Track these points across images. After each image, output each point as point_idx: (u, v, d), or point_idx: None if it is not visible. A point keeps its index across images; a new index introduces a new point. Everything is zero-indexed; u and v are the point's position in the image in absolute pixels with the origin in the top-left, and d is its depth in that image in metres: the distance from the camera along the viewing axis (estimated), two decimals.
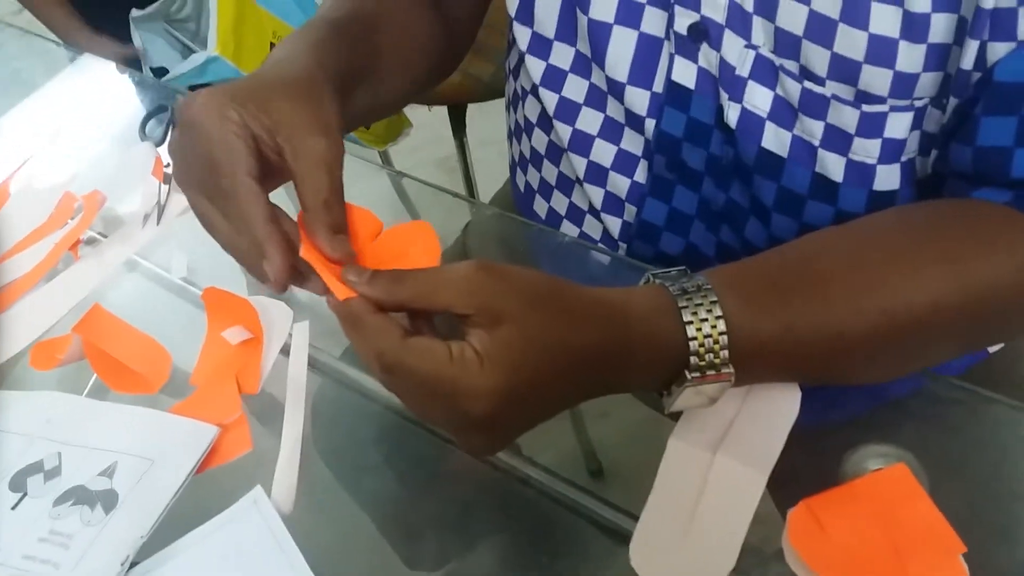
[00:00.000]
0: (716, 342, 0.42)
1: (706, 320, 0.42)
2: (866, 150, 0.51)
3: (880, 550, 0.41)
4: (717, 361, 0.43)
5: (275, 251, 0.43)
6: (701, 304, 0.43)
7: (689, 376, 0.43)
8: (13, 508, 0.49)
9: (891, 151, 0.51)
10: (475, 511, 0.56)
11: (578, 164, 0.64)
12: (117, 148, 0.80)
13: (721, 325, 0.42)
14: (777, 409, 0.47)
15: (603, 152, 0.62)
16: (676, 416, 0.49)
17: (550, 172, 0.68)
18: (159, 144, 0.74)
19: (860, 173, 0.52)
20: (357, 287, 0.42)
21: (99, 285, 0.66)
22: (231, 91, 0.46)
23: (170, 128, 0.76)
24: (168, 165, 0.72)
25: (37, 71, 0.91)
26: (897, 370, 0.50)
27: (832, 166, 0.53)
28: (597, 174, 0.63)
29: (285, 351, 0.59)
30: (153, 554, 0.47)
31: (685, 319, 0.42)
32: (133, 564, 0.46)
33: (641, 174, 0.62)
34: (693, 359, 0.42)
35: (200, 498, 0.50)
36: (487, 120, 1.20)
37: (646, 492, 0.47)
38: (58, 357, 0.58)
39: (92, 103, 0.87)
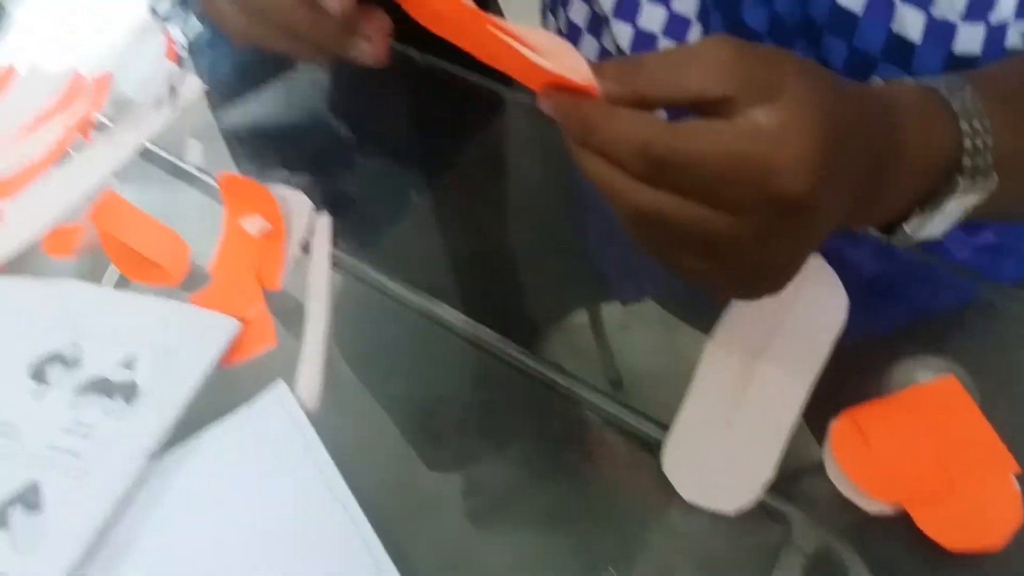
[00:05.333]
0: (985, 147, 0.38)
1: (977, 124, 0.38)
2: (950, 4, 0.47)
3: (927, 465, 0.40)
4: (984, 165, 0.38)
5: None
6: (972, 107, 0.38)
7: (959, 181, 0.38)
8: (34, 397, 0.48)
9: (977, 8, 0.47)
10: (499, 415, 0.55)
11: (622, 34, 0.59)
12: (123, 24, 0.76)
13: (988, 124, 0.38)
14: (823, 316, 0.46)
15: (652, 16, 0.57)
16: (706, 328, 0.47)
17: (591, 47, 0.64)
18: (169, 22, 0.71)
19: (940, 32, 0.48)
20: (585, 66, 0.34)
21: (112, 171, 0.63)
22: None
23: (181, 4, 0.72)
24: (180, 45, 0.69)
25: None
26: None
27: (911, 23, 0.48)
28: (644, 43, 0.59)
29: (305, 249, 0.57)
30: (175, 446, 0.46)
31: (960, 123, 0.38)
32: (155, 456, 0.46)
33: (694, 39, 0.57)
34: (966, 159, 0.38)
35: (223, 393, 0.49)
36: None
37: (668, 404, 0.46)
38: (73, 244, 0.57)
39: None
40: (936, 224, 0.40)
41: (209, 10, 0.45)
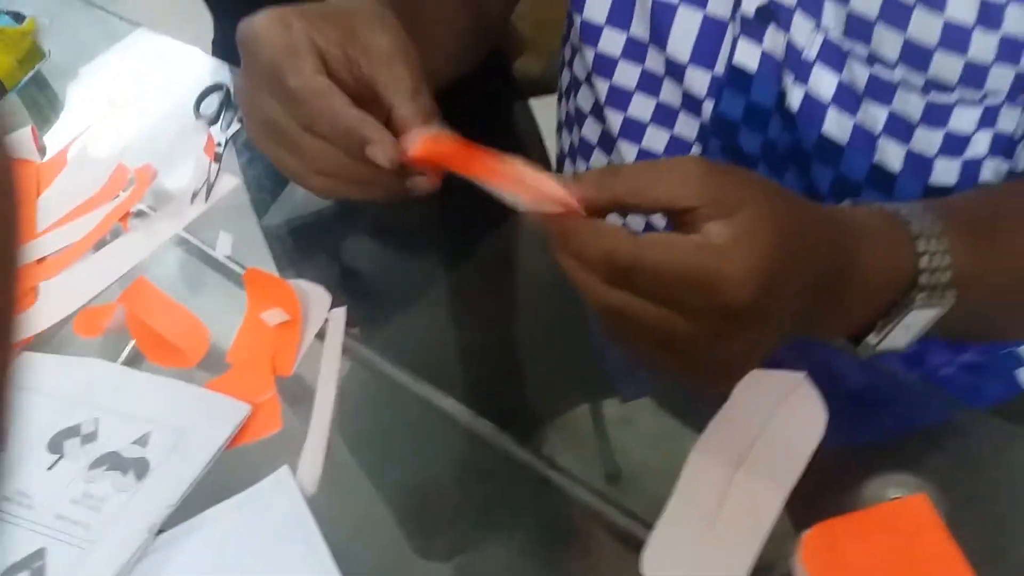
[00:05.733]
0: (941, 265, 0.41)
1: (934, 246, 0.41)
2: (928, 140, 0.51)
3: None
4: (942, 282, 0.41)
5: (375, 130, 0.41)
6: (930, 230, 0.42)
7: (916, 297, 0.41)
8: (49, 468, 0.51)
9: (953, 145, 0.51)
10: (493, 507, 0.57)
11: (628, 152, 0.64)
12: (170, 123, 0.81)
13: (944, 245, 0.41)
14: (802, 429, 0.48)
15: (656, 139, 0.62)
16: (700, 428, 0.49)
17: (600, 162, 0.68)
18: (212, 123, 0.76)
19: (917, 164, 0.52)
20: (561, 185, 0.38)
21: (145, 258, 0.67)
22: (293, 8, 0.45)
23: (224, 107, 0.77)
24: (219, 144, 0.74)
25: (99, 43, 0.93)
26: None
27: (891, 155, 0.52)
28: None
29: (320, 335, 0.60)
30: (180, 523, 0.49)
31: (917, 244, 0.41)
32: (160, 531, 0.48)
33: None
34: (923, 277, 0.41)
35: (228, 473, 0.52)
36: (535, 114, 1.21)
37: (662, 501, 0.48)
38: (102, 325, 0.60)
39: (149, 76, 0.89)
40: (898, 336, 0.43)
41: (267, 152, 0.47)
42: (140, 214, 0.72)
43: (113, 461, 0.51)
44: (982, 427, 0.51)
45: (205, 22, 1.05)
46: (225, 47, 0.99)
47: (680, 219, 0.36)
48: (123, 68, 0.91)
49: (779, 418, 0.48)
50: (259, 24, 0.45)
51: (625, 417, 0.81)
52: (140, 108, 0.84)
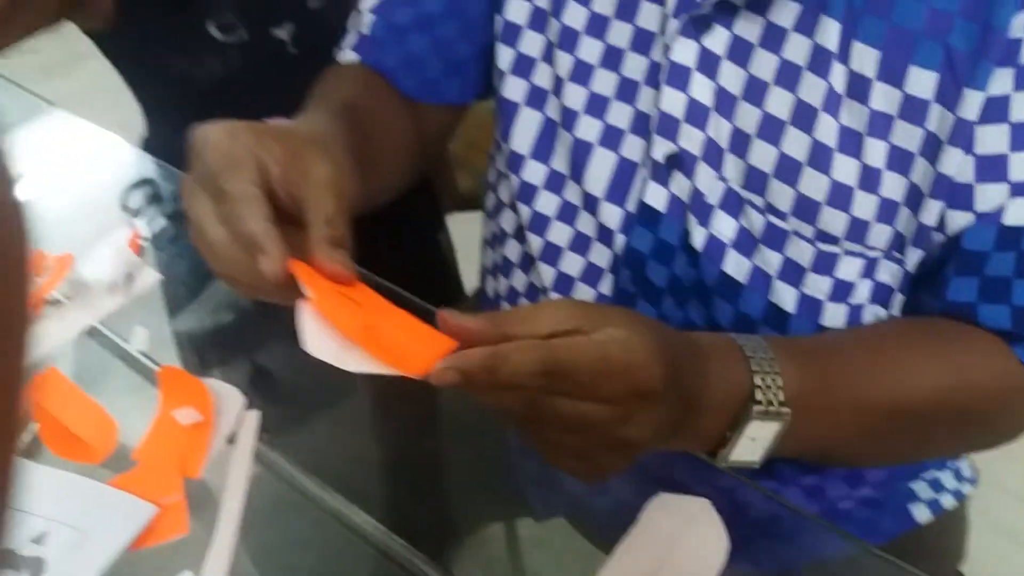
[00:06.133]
0: (774, 384, 0.48)
1: (766, 367, 0.48)
2: (817, 286, 0.56)
3: None
4: (775, 401, 0.48)
5: (273, 245, 0.43)
6: (762, 354, 0.49)
7: (753, 411, 0.47)
8: None
9: (840, 291, 0.56)
10: None
11: (547, 274, 0.67)
12: (92, 212, 0.81)
13: (776, 367, 0.48)
14: (706, 554, 0.49)
15: (572, 264, 0.66)
16: (610, 550, 0.51)
17: (520, 281, 0.71)
18: (137, 216, 0.76)
19: (810, 307, 0.57)
20: (451, 321, 0.42)
21: (58, 347, 0.66)
22: (246, 124, 0.48)
23: (151, 201, 0.78)
24: (144, 238, 0.74)
25: (15, 121, 0.93)
26: (903, 451, 0.59)
27: (785, 297, 0.57)
28: (565, 284, 0.67)
29: (230, 439, 0.60)
30: None
31: (751, 364, 0.48)
32: None
33: (606, 286, 0.65)
34: (758, 393, 0.48)
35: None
36: (460, 229, 1.24)
37: None
38: None
39: (69, 160, 0.89)
40: (747, 450, 0.49)
41: (196, 244, 0.48)
42: (55, 302, 0.71)
43: (6, 559, 0.49)
44: (875, 563, 0.54)
45: (131, 113, 1.06)
46: (156, 147, 0.99)
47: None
48: (42, 150, 0.91)
49: (683, 543, 0.50)
50: (211, 132, 0.47)
51: (538, 538, 0.82)
52: (60, 194, 0.84)
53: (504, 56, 0.66)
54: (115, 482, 0.55)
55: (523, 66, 0.65)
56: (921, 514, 0.68)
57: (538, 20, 0.64)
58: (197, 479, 0.57)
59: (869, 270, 0.56)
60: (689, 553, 0.50)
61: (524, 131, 0.65)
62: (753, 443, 0.49)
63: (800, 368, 0.49)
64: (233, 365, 0.72)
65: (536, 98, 0.65)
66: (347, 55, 0.71)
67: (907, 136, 0.51)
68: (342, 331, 0.43)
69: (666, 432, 0.45)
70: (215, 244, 0.46)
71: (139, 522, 0.52)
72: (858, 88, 0.52)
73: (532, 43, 0.65)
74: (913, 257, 0.55)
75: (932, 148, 0.51)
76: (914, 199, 0.53)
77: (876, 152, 0.52)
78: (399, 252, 1.02)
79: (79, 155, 0.90)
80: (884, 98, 0.51)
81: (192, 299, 0.75)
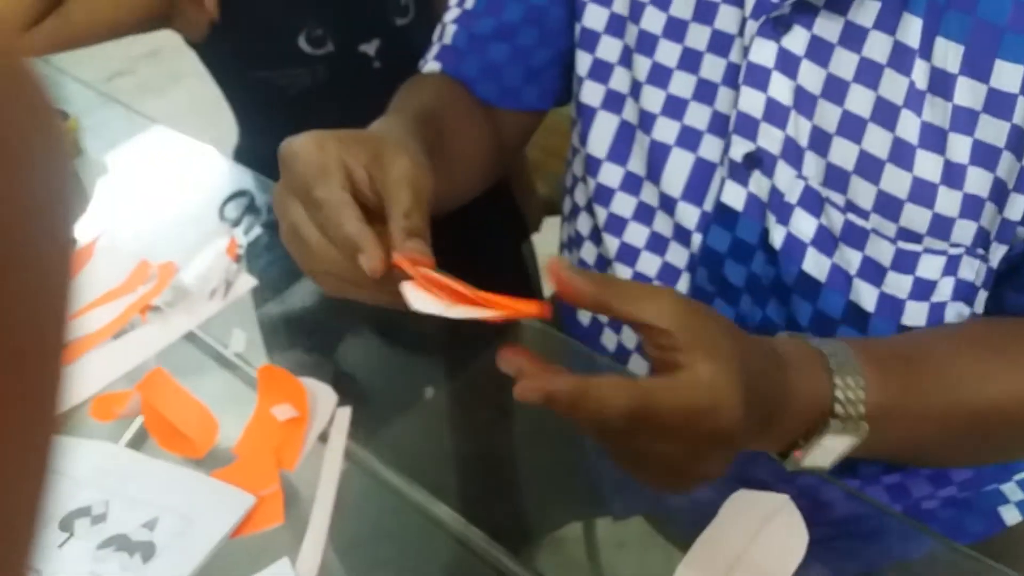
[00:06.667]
0: (856, 398, 0.47)
1: (850, 380, 0.48)
2: (898, 284, 0.56)
3: None
4: (854, 415, 0.47)
5: (370, 244, 0.46)
6: (847, 364, 0.48)
7: (831, 424, 0.47)
8: (59, 546, 0.52)
9: (921, 290, 0.56)
10: None
11: (623, 275, 0.68)
12: (193, 223, 0.86)
13: (860, 381, 0.48)
14: (784, 549, 0.50)
15: (648, 264, 0.67)
16: (686, 546, 0.51)
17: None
18: (235, 225, 0.80)
19: (890, 306, 0.56)
20: (562, 271, 0.43)
21: (161, 350, 0.70)
22: (331, 132, 0.51)
23: (247, 211, 0.82)
24: (241, 247, 0.78)
25: (123, 139, 0.99)
26: (986, 455, 0.59)
27: (865, 295, 0.57)
28: None
29: (322, 437, 0.63)
30: None
31: (834, 376, 0.47)
32: None
33: (683, 285, 0.66)
34: (838, 407, 0.47)
35: (230, 561, 0.53)
36: (539, 235, 1.27)
37: None
38: (117, 411, 0.63)
39: (171, 175, 0.94)
40: (819, 457, 0.49)
41: (290, 250, 0.52)
42: (158, 308, 0.75)
43: (121, 543, 0.52)
44: (962, 563, 0.53)
45: (224, 129, 1.11)
46: (247, 155, 1.05)
47: (654, 339, 0.43)
48: (146, 165, 0.96)
49: (762, 539, 0.50)
50: (298, 144, 0.50)
51: (618, 540, 0.83)
52: (163, 206, 0.89)
53: (582, 62, 0.67)
54: (217, 474, 0.59)
55: (600, 71, 0.67)
56: (1011, 515, 0.66)
57: (615, 25, 0.66)
58: (292, 472, 0.60)
59: (951, 267, 0.55)
60: (768, 548, 0.50)
61: (601, 135, 0.67)
62: (826, 452, 0.48)
63: (884, 376, 0.49)
64: (320, 366, 0.75)
65: (613, 102, 0.66)
66: (430, 65, 0.74)
67: (993, 130, 0.51)
68: (444, 295, 0.46)
69: (742, 448, 0.46)
70: (315, 249, 0.49)
71: (240, 511, 0.55)
72: (941, 84, 0.52)
73: (610, 48, 0.66)
74: (998, 253, 0.54)
75: (1019, 142, 0.50)
76: (999, 194, 0.52)
77: (960, 148, 0.52)
78: (480, 260, 1.06)
79: (179, 169, 0.95)
80: (968, 93, 0.51)
81: (285, 303, 0.79)
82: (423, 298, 0.46)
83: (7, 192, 0.16)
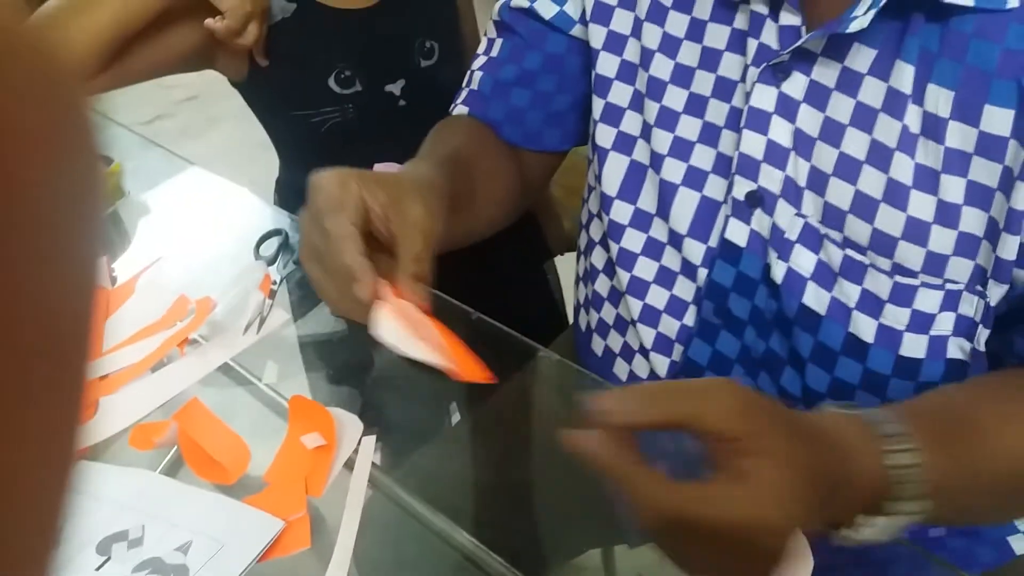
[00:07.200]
0: (910, 475, 0.46)
1: (903, 453, 0.46)
2: (896, 317, 0.57)
3: None
4: (917, 494, 0.46)
5: (365, 275, 0.52)
6: (903, 437, 0.46)
7: (889, 507, 0.46)
8: (97, 569, 0.55)
9: (920, 322, 0.57)
10: None
11: (634, 306, 0.71)
12: (230, 260, 0.90)
13: (915, 458, 0.46)
14: (791, 573, 0.51)
15: (657, 297, 0.70)
16: None
17: (609, 313, 0.76)
18: (270, 263, 0.84)
19: (889, 337, 0.58)
20: (606, 402, 0.43)
21: (197, 382, 0.74)
22: (355, 172, 0.56)
23: (281, 249, 0.86)
24: (275, 283, 0.82)
25: (162, 181, 1.04)
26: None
27: (864, 327, 0.58)
28: (651, 316, 0.70)
29: (348, 464, 0.65)
30: None
31: (888, 451, 0.46)
32: None
33: (690, 318, 0.68)
34: (896, 488, 0.46)
35: None
36: (559, 268, 1.30)
37: None
38: (154, 440, 0.66)
39: (208, 215, 0.99)
40: (872, 533, 0.47)
41: (306, 268, 0.57)
42: (195, 341, 0.79)
43: (156, 565, 0.55)
44: None
45: (259, 170, 1.16)
46: (288, 187, 1.11)
47: (716, 441, 0.42)
48: (185, 205, 1.01)
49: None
50: (324, 178, 0.56)
51: (636, 568, 0.84)
52: (201, 244, 0.93)
53: (596, 106, 0.71)
54: (248, 500, 0.62)
55: (612, 114, 0.70)
56: (1020, 545, 0.67)
57: (627, 72, 0.69)
58: (318, 499, 0.63)
59: (951, 303, 0.56)
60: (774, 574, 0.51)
61: (613, 174, 0.70)
62: (880, 530, 0.47)
63: (938, 452, 0.47)
64: (349, 396, 0.78)
65: (624, 143, 0.70)
66: (459, 108, 0.78)
67: (986, 172, 0.53)
68: (407, 326, 0.52)
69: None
70: (315, 274, 0.55)
71: (269, 536, 0.58)
72: (932, 128, 0.54)
73: (621, 94, 0.69)
74: (996, 292, 0.55)
75: (1008, 183, 0.52)
76: (992, 233, 0.54)
77: (954, 188, 0.54)
78: (508, 281, 1.10)
79: (216, 209, 0.99)
80: (959, 136, 0.53)
81: (316, 336, 0.82)
82: (389, 327, 0.52)
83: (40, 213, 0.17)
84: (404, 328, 0.52)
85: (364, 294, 0.52)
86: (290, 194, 1.10)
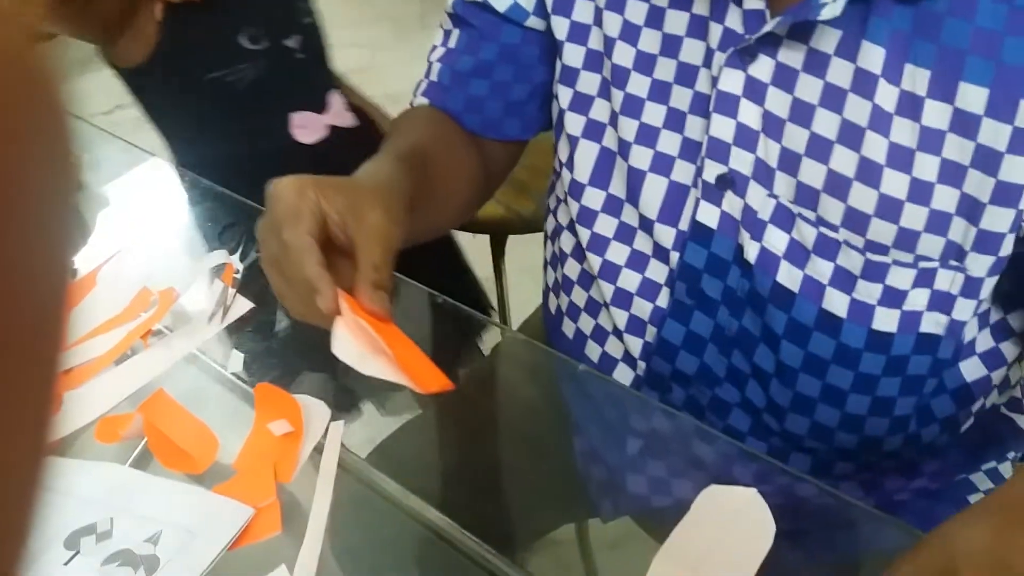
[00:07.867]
0: None
1: None
2: (868, 292, 0.59)
3: None
4: None
5: (325, 286, 0.52)
6: None
7: None
8: (65, 564, 0.55)
9: (891, 298, 0.59)
10: None
11: (606, 290, 0.71)
12: (191, 250, 0.89)
13: None
14: (753, 539, 0.52)
15: (629, 280, 0.70)
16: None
17: (580, 296, 0.76)
18: (232, 253, 0.83)
19: (861, 311, 0.59)
20: None
21: (162, 373, 0.73)
22: (312, 178, 0.56)
23: (243, 239, 0.85)
24: (238, 271, 0.81)
25: (122, 172, 1.03)
26: None
27: (837, 303, 0.60)
28: (623, 299, 0.71)
29: (318, 449, 0.65)
30: None
31: None
32: None
33: (663, 299, 0.69)
34: None
35: (231, 571, 0.56)
36: (524, 250, 1.30)
37: None
38: (120, 433, 0.66)
39: (169, 204, 0.98)
40: None
41: (268, 276, 0.57)
42: (159, 333, 0.78)
43: (126, 558, 0.55)
44: None
45: None
46: (190, 162, 1.12)
47: None
48: (145, 196, 1.00)
49: (732, 530, 0.53)
50: (281, 186, 0.56)
51: (610, 540, 0.85)
52: (163, 235, 0.92)
53: (564, 95, 0.71)
54: (217, 488, 0.62)
55: (581, 103, 0.70)
56: None
57: (592, 61, 0.69)
58: (288, 484, 0.63)
59: (925, 280, 0.58)
60: (737, 539, 0.53)
61: (584, 161, 0.70)
62: None
63: None
64: (317, 383, 0.79)
65: (593, 131, 0.70)
66: (419, 100, 0.78)
67: (958, 149, 0.53)
68: (365, 344, 0.52)
69: None
70: (276, 282, 0.56)
71: (239, 523, 0.58)
72: (910, 106, 0.54)
73: (589, 82, 0.70)
74: (979, 263, 0.56)
75: (985, 159, 0.53)
76: (970, 209, 0.55)
77: (928, 166, 0.54)
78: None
79: (177, 199, 0.99)
80: (936, 114, 0.54)
81: (281, 324, 0.82)
82: (345, 345, 0.53)
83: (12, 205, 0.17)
84: (361, 346, 0.52)
85: (326, 305, 0.52)
86: (204, 169, 1.09)
